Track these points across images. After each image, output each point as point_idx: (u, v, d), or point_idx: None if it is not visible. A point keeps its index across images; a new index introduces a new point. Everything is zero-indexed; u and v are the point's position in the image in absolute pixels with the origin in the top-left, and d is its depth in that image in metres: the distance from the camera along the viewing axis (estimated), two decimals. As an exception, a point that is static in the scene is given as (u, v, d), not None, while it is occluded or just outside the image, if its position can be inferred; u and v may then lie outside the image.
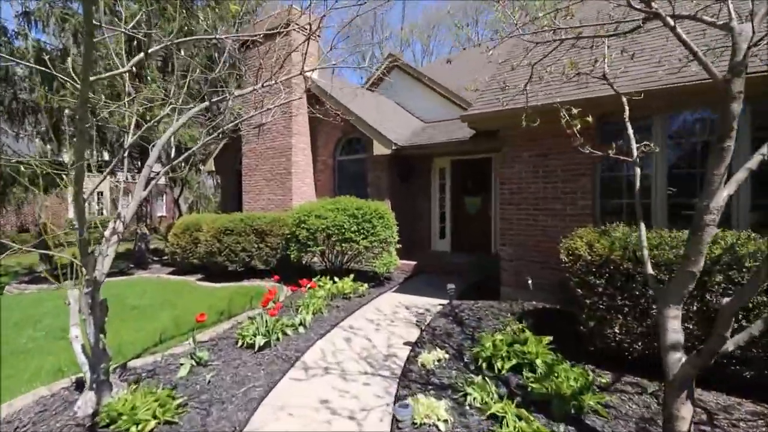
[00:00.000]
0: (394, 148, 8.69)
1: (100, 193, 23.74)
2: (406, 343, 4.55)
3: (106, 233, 3.30)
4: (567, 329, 4.45)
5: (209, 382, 3.57)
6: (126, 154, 3.14)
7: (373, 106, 10.72)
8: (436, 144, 8.54)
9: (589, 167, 5.29)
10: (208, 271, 8.99)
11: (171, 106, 3.49)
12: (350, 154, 10.15)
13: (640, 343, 3.61)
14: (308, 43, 3.75)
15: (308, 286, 5.66)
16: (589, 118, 3.33)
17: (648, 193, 4.97)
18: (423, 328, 4.89)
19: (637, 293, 3.56)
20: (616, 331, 3.66)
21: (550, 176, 5.56)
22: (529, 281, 5.57)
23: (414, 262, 8.74)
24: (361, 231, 6.92)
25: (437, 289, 7.02)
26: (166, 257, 11.14)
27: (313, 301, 5.55)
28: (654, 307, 3.49)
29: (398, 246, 7.60)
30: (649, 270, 2.47)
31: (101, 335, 3.22)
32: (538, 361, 3.62)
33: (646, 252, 2.50)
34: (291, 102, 9.66)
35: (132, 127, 3.09)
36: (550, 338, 3.92)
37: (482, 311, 5.51)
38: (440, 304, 6.14)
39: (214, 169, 12.74)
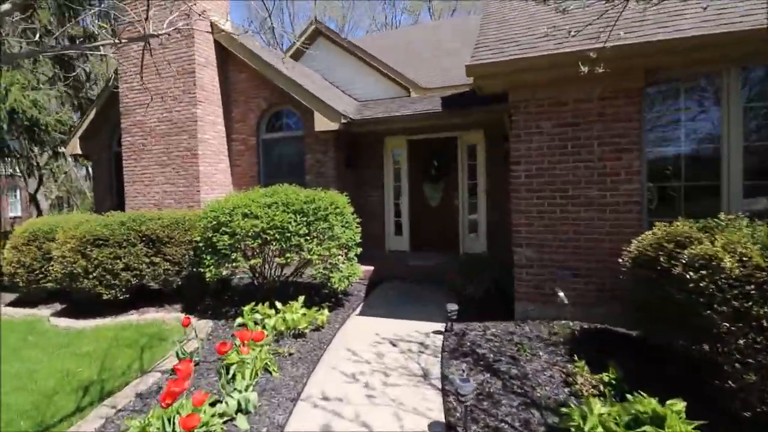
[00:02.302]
0: (343, 122, 6.66)
1: None
2: (433, 426, 2.72)
3: None
4: (650, 369, 3.06)
5: None
6: None
7: (302, 77, 8.46)
8: (400, 117, 6.73)
9: (635, 139, 3.97)
10: (72, 299, 6.06)
11: None
12: (280, 130, 7.81)
13: (823, 404, 2.31)
14: None
15: (249, 340, 3.33)
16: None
17: (715, 173, 3.80)
18: (446, 388, 3.10)
19: (827, 328, 2.23)
20: (789, 388, 2.31)
21: (582, 152, 4.14)
22: (561, 294, 4.13)
23: (371, 267, 6.89)
24: (315, 234, 4.84)
25: (416, 305, 5.30)
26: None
27: (252, 355, 3.38)
28: None
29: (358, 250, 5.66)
30: None
31: None
32: (697, 460, 2.10)
33: None
34: (193, 56, 7.05)
35: None
36: (683, 405, 2.42)
37: (505, 342, 3.91)
38: (436, 332, 4.42)
39: (80, 151, 9.25)
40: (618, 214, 4.05)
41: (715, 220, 3.01)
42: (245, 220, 4.73)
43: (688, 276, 2.56)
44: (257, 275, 5.35)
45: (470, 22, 14.24)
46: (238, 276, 6.37)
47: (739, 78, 3.67)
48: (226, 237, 4.75)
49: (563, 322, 4.23)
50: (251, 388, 2.96)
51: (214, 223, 4.88)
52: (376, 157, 8.02)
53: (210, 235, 4.89)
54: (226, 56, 7.82)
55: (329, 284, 5.11)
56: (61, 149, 10.63)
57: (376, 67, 9.94)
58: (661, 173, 4.04)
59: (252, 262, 4.77)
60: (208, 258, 4.94)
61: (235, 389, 2.90)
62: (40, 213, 20.08)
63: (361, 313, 5.18)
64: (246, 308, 4.59)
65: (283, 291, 5.41)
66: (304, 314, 4.53)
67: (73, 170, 23.33)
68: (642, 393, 2.53)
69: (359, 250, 5.52)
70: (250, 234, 4.64)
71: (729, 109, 3.69)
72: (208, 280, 4.97)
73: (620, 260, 3.66)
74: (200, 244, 5.09)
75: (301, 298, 4.82)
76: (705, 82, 3.85)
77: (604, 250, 4.10)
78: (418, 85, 9.67)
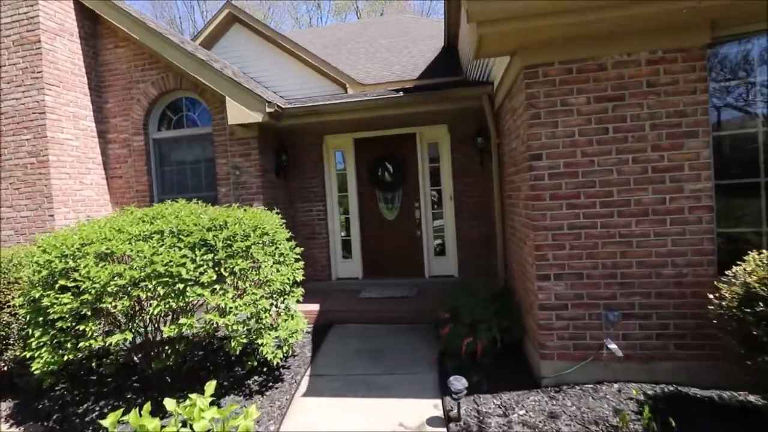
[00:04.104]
0: (269, 111, 4.86)
1: None
2: None
3: None
4: None
5: None
6: None
7: (209, 60, 6.47)
8: (348, 104, 5.07)
9: (700, 119, 2.79)
10: None
11: None
12: (179, 127, 5.73)
13: None
14: None
15: None
16: None
17: (808, 163, 2.73)
18: None
19: None
20: None
21: (630, 139, 2.86)
22: (613, 347, 2.81)
23: (315, 306, 5.12)
24: (229, 280, 2.99)
25: (389, 368, 3.67)
26: None
27: None
28: None
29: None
30: None
31: None
32: None
33: None
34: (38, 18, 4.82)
35: None
36: None
37: (553, 440, 2.45)
38: (432, 420, 2.84)
39: None
40: (684, 225, 2.83)
41: None
42: (102, 266, 2.75)
43: None
44: (136, 348, 3.32)
45: (402, 20, 13.18)
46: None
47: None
48: (66, 298, 2.71)
49: (615, 386, 2.90)
50: None
51: (45, 273, 2.81)
52: (314, 162, 6.29)
53: (38, 296, 2.80)
54: (95, 24, 5.60)
55: (258, 353, 3.28)
56: None
57: (305, 59, 8.17)
58: (731, 165, 2.91)
59: (117, 338, 2.75)
60: (37, 334, 2.83)
61: None
62: None
63: (310, 392, 3.41)
64: (108, 421, 2.58)
65: (181, 369, 3.46)
66: (216, 419, 2.66)
67: None
68: None
69: (301, 291, 3.75)
70: (110, 290, 2.66)
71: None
72: (36, 374, 2.85)
73: (712, 296, 2.43)
74: (23, 311, 2.95)
75: (211, 385, 2.92)
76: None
77: (666, 279, 2.86)
78: (354, 80, 8.12)
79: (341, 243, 6.46)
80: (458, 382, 2.72)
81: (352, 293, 5.73)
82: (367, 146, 6.32)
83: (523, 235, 3.39)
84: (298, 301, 3.69)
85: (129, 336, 2.73)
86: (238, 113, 4.89)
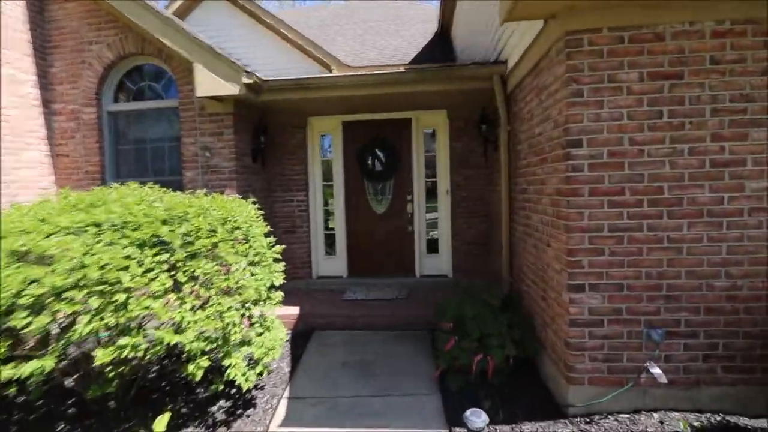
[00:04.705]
0: (246, 82, 4.17)
1: None
2: None
3: None
4: None
5: None
6: None
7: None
8: (339, 79, 4.44)
9: (769, 105, 2.35)
10: None
11: None
12: (140, 98, 4.94)
13: None
14: None
15: None
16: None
17: None
18: None
19: None
20: None
21: (687, 125, 2.39)
22: (656, 371, 2.35)
23: (295, 310, 4.54)
24: (187, 287, 2.36)
25: (382, 389, 3.11)
26: None
27: None
28: None
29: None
30: None
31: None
32: None
33: None
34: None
35: None
36: None
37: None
38: (442, 466, 2.32)
39: None
40: (742, 230, 2.39)
41: None
42: (16, 267, 2.06)
43: None
44: (68, 369, 2.64)
45: (393, 3, 12.48)
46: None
47: None
48: (-38, 308, 2.02)
49: (656, 416, 2.46)
50: None
51: (-63, 275, 2.10)
52: (297, 146, 5.62)
53: (-73, 304, 2.09)
54: (36, -28, 4.72)
55: (224, 375, 2.66)
56: None
57: (288, 36, 7.38)
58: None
59: (32, 367, 2.07)
60: (-75, 356, 2.13)
61: None
62: None
63: (288, 421, 2.81)
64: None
65: (128, 393, 2.81)
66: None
67: None
68: None
69: (280, 296, 3.14)
70: (23, 302, 1.99)
71: None
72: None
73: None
74: None
75: (163, 420, 2.31)
76: None
77: (718, 292, 2.42)
78: (341, 62, 7.42)
79: (324, 238, 5.85)
80: (477, 418, 2.19)
81: (336, 294, 5.16)
82: (356, 131, 5.70)
83: (546, 236, 2.89)
84: (276, 304, 3.08)
85: (49, 363, 2.05)
86: (209, 83, 4.18)
